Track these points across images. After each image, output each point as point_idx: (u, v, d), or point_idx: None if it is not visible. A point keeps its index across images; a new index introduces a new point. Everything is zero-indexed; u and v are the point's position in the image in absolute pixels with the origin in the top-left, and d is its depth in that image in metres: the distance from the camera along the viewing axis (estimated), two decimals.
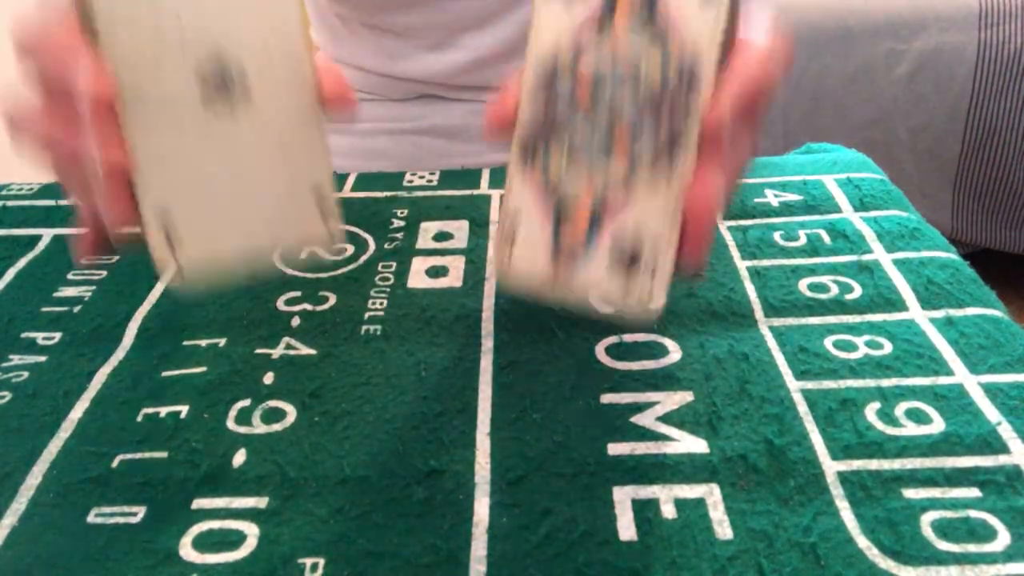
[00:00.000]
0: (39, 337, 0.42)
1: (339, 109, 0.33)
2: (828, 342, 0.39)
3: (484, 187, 0.54)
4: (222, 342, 0.40)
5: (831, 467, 0.32)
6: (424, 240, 0.49)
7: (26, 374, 0.39)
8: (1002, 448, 0.32)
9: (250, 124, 0.32)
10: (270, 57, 0.32)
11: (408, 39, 0.67)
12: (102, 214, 0.30)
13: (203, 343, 0.40)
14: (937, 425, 0.34)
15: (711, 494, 0.31)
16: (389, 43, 0.68)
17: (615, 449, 0.33)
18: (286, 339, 0.41)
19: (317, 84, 0.33)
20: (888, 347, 0.38)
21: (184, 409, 0.36)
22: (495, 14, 0.66)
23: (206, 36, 0.30)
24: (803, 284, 0.43)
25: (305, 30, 0.32)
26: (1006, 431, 0.33)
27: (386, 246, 0.48)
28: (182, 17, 0.30)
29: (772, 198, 0.51)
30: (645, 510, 0.31)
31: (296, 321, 0.42)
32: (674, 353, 0.39)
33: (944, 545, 0.29)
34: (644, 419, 0.35)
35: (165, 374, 0.38)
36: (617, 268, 0.31)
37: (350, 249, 0.48)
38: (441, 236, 0.49)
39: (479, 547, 0.30)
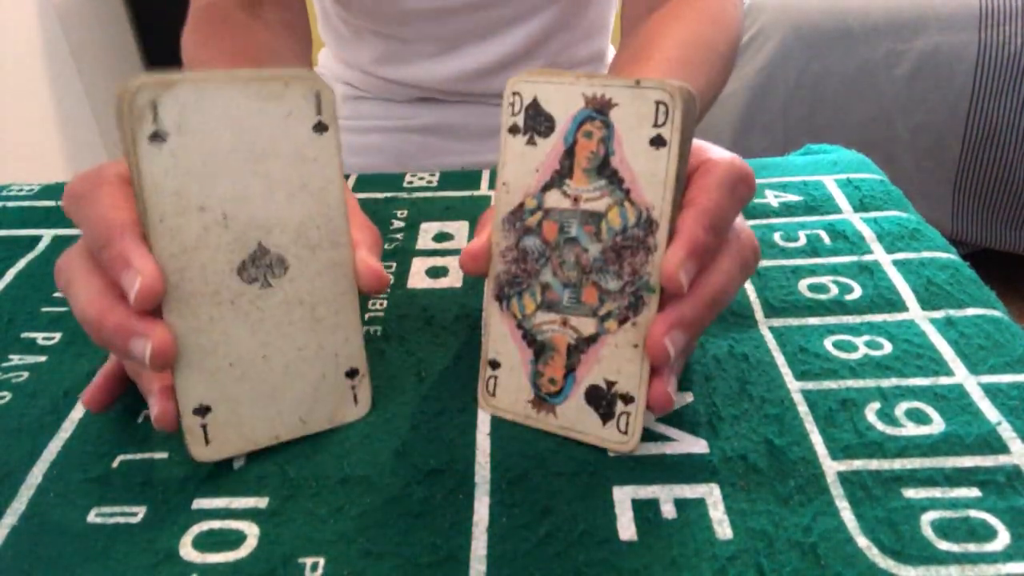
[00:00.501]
0: (39, 337, 0.42)
1: (374, 293, 0.35)
2: (828, 342, 0.39)
3: (484, 188, 0.54)
4: None
5: (831, 467, 0.32)
6: (424, 240, 0.49)
7: (26, 374, 0.39)
8: (1002, 448, 0.32)
9: (285, 301, 0.33)
10: (310, 244, 0.33)
11: (411, 45, 0.68)
12: (151, 413, 0.32)
13: None
14: (937, 425, 0.34)
15: (711, 494, 0.31)
16: (392, 49, 0.68)
17: None
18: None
19: (354, 270, 0.34)
20: (888, 347, 0.38)
21: None
22: (497, 27, 0.66)
23: (250, 231, 0.32)
24: (803, 284, 0.43)
25: (347, 220, 0.34)
26: (1006, 431, 0.33)
27: (386, 246, 0.48)
28: (228, 216, 0.31)
29: (772, 198, 0.51)
30: (645, 510, 0.31)
31: None
32: None
33: (944, 545, 0.29)
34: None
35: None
36: (592, 412, 0.34)
37: None
38: (441, 236, 0.49)
39: (479, 547, 0.30)
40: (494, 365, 0.35)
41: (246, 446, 0.33)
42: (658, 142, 0.30)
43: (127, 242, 0.29)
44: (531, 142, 0.33)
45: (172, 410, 0.31)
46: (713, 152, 0.33)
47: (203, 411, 0.32)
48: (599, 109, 0.31)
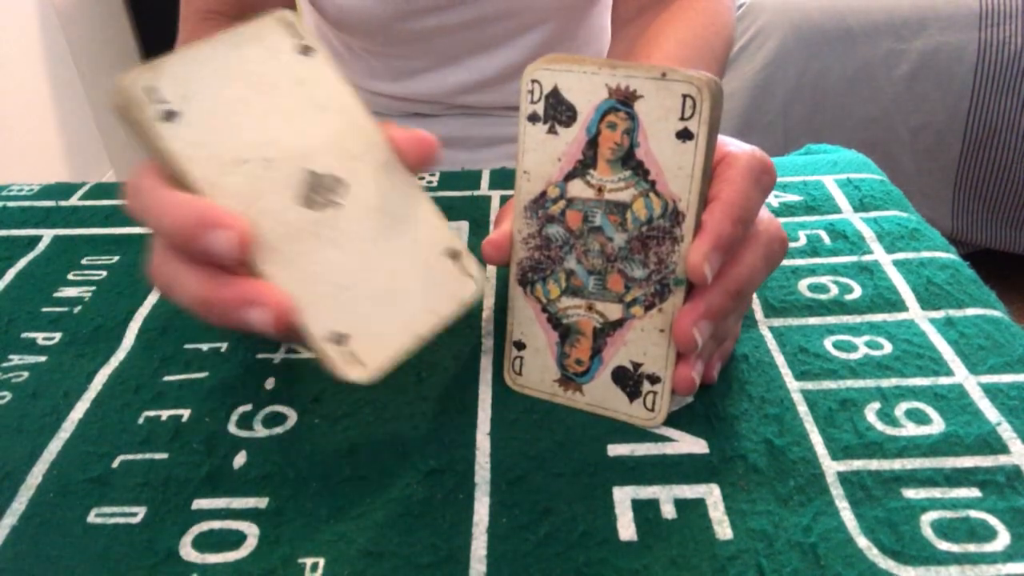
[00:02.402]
0: (39, 337, 0.42)
1: (427, 161, 0.34)
2: (828, 342, 0.39)
3: (484, 188, 0.54)
4: (223, 347, 0.40)
5: (831, 467, 0.32)
6: None
7: (26, 374, 0.39)
8: (1002, 448, 0.32)
9: (361, 215, 0.33)
10: (353, 155, 0.33)
11: (408, 62, 0.67)
12: (266, 317, 0.29)
13: (204, 347, 0.40)
14: (937, 425, 0.34)
15: (711, 494, 0.31)
16: (388, 65, 0.68)
17: (615, 449, 0.33)
18: (287, 344, 0.41)
19: (401, 159, 0.34)
20: (888, 347, 0.38)
21: (186, 413, 0.36)
22: (495, 42, 0.65)
23: (294, 164, 0.32)
24: (803, 284, 0.43)
25: (372, 120, 0.34)
26: (1006, 431, 0.33)
27: None
28: (268, 159, 0.31)
29: (772, 199, 0.51)
30: (645, 510, 0.31)
31: None
32: None
33: (944, 545, 0.29)
34: None
35: (167, 378, 0.38)
36: (620, 391, 0.34)
37: None
38: None
39: (479, 547, 0.30)
40: (519, 346, 0.36)
41: (398, 355, 0.33)
42: (685, 135, 0.30)
43: (231, 283, 0.28)
44: (552, 131, 0.33)
45: (288, 299, 0.29)
46: (732, 145, 0.33)
47: (342, 339, 0.32)
48: (623, 100, 0.31)
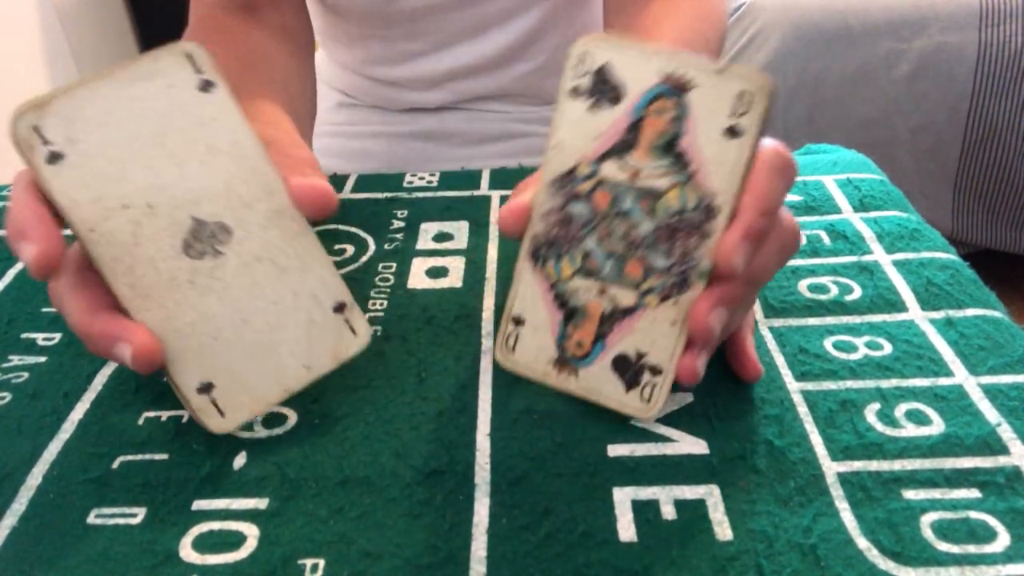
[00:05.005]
0: (39, 338, 0.42)
1: (324, 212, 0.34)
2: (828, 343, 0.39)
3: (484, 188, 0.54)
4: None
5: (831, 468, 0.32)
6: (424, 241, 0.49)
7: (26, 375, 0.39)
8: (1002, 449, 0.32)
9: (243, 263, 0.33)
10: (244, 201, 0.33)
11: (403, 45, 0.68)
12: (127, 356, 0.31)
13: None
14: (937, 426, 0.34)
15: (711, 494, 0.31)
16: (384, 50, 0.68)
17: (615, 449, 0.33)
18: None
19: (298, 207, 0.34)
20: (888, 348, 0.38)
21: (186, 413, 0.36)
22: (489, 24, 0.66)
23: (179, 211, 0.32)
24: (803, 285, 0.43)
25: (271, 165, 0.33)
26: (1006, 432, 0.33)
27: (386, 246, 0.48)
28: (152, 204, 0.31)
29: None
30: (645, 510, 0.31)
31: None
32: None
33: (944, 546, 0.29)
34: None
35: (167, 378, 0.38)
36: (618, 379, 0.34)
37: (350, 250, 0.48)
38: (441, 236, 0.49)
39: (479, 547, 0.30)
40: (518, 322, 0.35)
41: (260, 407, 0.34)
42: (733, 132, 0.30)
43: (103, 319, 0.30)
44: (594, 108, 0.32)
45: (153, 342, 0.31)
46: None
47: (207, 388, 0.33)
48: (676, 88, 0.30)
